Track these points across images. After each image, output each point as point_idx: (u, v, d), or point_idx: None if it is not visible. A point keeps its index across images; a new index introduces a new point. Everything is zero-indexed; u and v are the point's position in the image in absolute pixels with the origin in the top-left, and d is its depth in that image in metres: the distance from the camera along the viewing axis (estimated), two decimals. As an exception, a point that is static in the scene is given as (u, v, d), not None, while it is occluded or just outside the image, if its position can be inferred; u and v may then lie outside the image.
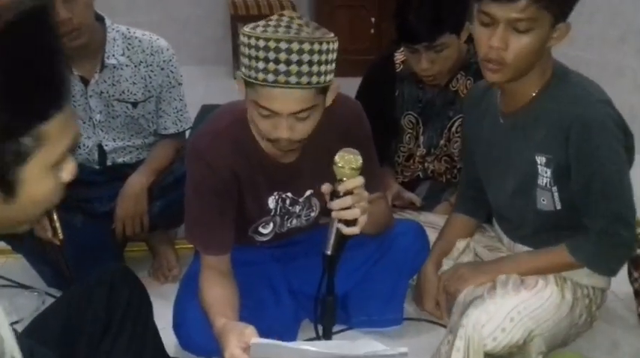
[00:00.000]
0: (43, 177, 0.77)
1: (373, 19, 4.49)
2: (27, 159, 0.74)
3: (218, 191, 1.49)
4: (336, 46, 1.32)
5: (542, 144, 1.51)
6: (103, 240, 2.03)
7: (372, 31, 4.51)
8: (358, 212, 1.29)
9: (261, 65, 1.26)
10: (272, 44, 1.25)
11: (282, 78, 1.26)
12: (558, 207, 1.54)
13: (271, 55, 1.25)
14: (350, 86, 1.95)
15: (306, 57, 1.26)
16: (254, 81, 1.28)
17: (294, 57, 1.25)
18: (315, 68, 1.27)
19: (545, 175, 1.52)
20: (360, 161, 1.29)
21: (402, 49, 2.15)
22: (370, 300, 1.73)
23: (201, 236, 1.54)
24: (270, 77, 1.26)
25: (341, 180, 1.29)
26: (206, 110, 3.55)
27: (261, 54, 1.25)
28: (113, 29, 1.99)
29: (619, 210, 1.49)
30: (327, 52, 1.29)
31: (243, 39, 1.29)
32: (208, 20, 4.82)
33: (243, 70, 1.31)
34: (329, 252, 1.33)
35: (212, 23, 4.82)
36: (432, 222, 2.00)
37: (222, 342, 1.28)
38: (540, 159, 1.52)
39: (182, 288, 1.65)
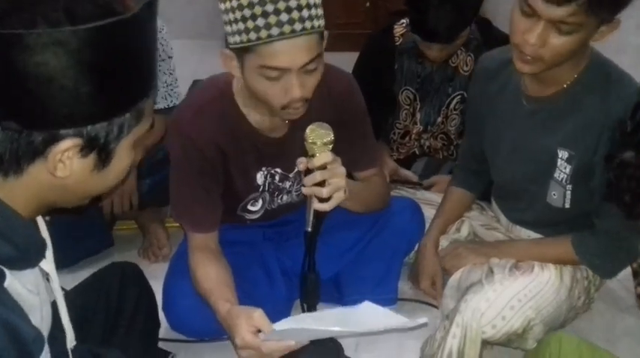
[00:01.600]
0: (127, 152, 0.87)
1: (369, -8, 4.39)
2: (127, 133, 0.84)
3: (202, 167, 1.44)
4: None
5: (568, 138, 1.43)
6: (90, 218, 1.99)
7: (367, 4, 4.42)
8: (329, 190, 1.27)
9: (260, 22, 1.19)
10: None
11: (287, 28, 1.20)
12: (567, 206, 1.48)
13: (269, 8, 1.18)
14: (345, 61, 1.88)
15: (303, 0, 1.20)
16: (256, 42, 1.21)
17: (292, 2, 1.19)
18: (313, 11, 1.22)
19: (564, 171, 1.45)
20: (332, 136, 1.26)
21: (401, 21, 2.09)
22: (364, 280, 1.70)
23: (186, 213, 1.50)
24: (275, 30, 1.20)
25: (313, 156, 1.27)
26: (198, 84, 3.49)
27: (258, 9, 1.19)
28: None
29: None
30: None
31: (230, 4, 1.21)
32: (200, -7, 4.71)
33: (236, 38, 1.23)
34: (309, 229, 1.32)
35: (204, -4, 4.71)
36: (429, 199, 1.97)
37: (231, 328, 1.25)
38: (562, 154, 1.45)
39: (171, 268, 1.61)
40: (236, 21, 1.22)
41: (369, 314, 1.21)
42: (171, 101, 2.08)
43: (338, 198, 1.29)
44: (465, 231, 1.82)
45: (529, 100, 1.50)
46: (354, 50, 2.26)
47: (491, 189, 1.81)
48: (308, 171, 1.28)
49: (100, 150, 0.82)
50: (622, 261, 1.54)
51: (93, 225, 2.04)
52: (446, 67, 2.06)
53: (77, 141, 0.79)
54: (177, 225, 2.08)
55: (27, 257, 0.85)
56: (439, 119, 2.14)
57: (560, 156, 1.46)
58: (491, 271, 1.52)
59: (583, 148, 1.41)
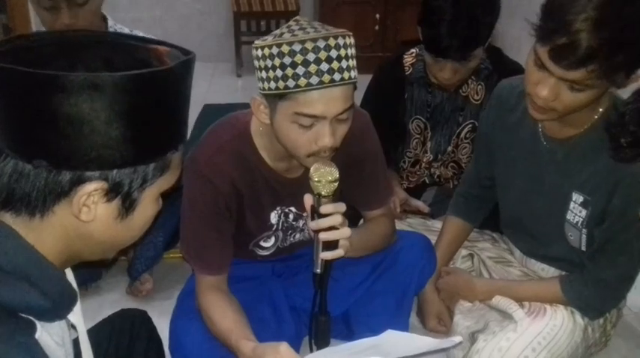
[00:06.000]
0: (151, 203, 0.88)
1: (378, 16, 4.42)
2: (150, 183, 0.85)
3: (218, 208, 1.42)
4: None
5: (585, 184, 1.40)
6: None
7: (377, 27, 4.44)
8: (344, 232, 1.27)
9: (300, 70, 1.19)
10: (309, 45, 1.19)
11: (326, 77, 1.20)
12: (583, 248, 1.46)
13: (310, 57, 1.19)
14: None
15: (342, 51, 1.21)
16: (293, 90, 1.21)
17: (334, 53, 1.20)
18: (350, 62, 1.23)
19: (578, 214, 1.43)
20: (337, 173, 1.25)
21: (411, 51, 2.07)
22: (374, 317, 1.65)
23: (198, 255, 1.47)
24: (314, 79, 1.20)
25: (319, 194, 1.25)
26: (208, 110, 3.50)
27: (299, 58, 1.19)
28: (115, 29, 1.96)
29: (630, 269, 1.44)
30: (352, 45, 1.25)
31: (268, 51, 1.21)
32: (210, 16, 4.75)
33: (271, 84, 1.23)
34: (318, 270, 1.30)
35: (214, 19, 4.75)
36: (439, 229, 1.94)
37: None
38: (577, 197, 1.42)
39: (179, 307, 1.57)
40: (273, 67, 1.21)
41: (399, 341, 1.20)
42: None
43: (344, 245, 1.30)
44: (466, 264, 1.82)
45: (547, 138, 1.47)
46: (363, 73, 2.24)
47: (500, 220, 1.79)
48: (314, 214, 1.27)
49: (124, 197, 0.84)
50: (606, 308, 1.52)
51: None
52: (456, 96, 2.04)
53: (102, 184, 0.80)
54: (175, 256, 2.09)
55: (59, 309, 0.85)
56: (449, 148, 2.12)
57: (574, 199, 1.43)
58: (503, 313, 1.49)
59: (599, 195, 1.38)
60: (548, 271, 1.64)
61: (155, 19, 4.57)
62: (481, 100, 2.03)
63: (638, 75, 1.23)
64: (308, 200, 1.28)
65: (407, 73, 2.07)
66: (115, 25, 1.97)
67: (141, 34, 1.94)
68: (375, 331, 1.63)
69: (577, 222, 1.44)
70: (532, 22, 1.22)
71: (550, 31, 1.17)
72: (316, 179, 1.25)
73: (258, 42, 1.25)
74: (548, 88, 1.23)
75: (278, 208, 1.52)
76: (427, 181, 2.23)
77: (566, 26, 1.14)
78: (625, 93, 1.43)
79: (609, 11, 1.12)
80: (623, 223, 1.36)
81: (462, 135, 2.08)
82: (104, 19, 1.96)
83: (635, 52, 1.16)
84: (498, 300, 1.55)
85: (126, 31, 1.98)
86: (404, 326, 1.70)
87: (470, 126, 2.06)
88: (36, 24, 4.01)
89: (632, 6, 1.13)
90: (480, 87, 2.01)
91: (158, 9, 4.68)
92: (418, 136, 2.13)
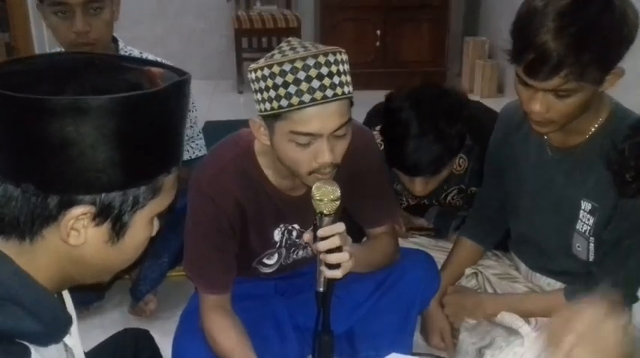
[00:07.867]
0: (144, 226, 0.86)
1: (379, 32, 4.45)
2: (142, 206, 0.83)
3: (221, 227, 1.43)
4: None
5: (592, 190, 1.43)
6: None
7: (378, 43, 4.47)
8: (344, 256, 1.28)
9: (292, 89, 1.20)
10: (299, 64, 1.20)
11: (318, 94, 1.21)
12: (591, 258, 1.47)
13: (301, 75, 1.20)
14: (354, 98, 1.85)
15: (334, 68, 1.23)
16: (287, 109, 1.22)
17: (324, 69, 1.21)
18: (343, 78, 1.24)
19: (587, 223, 1.45)
20: (338, 192, 1.26)
21: (379, 127, 1.77)
22: (378, 335, 1.65)
23: (201, 273, 1.47)
24: (306, 97, 1.21)
25: (321, 213, 1.26)
26: (210, 127, 3.51)
27: (290, 77, 1.20)
28: (126, 52, 1.96)
29: (635, 272, 1.44)
30: (344, 61, 1.26)
31: (261, 73, 1.23)
32: (212, 34, 4.78)
33: (266, 105, 1.24)
34: (321, 289, 1.30)
35: (216, 37, 4.78)
36: (445, 247, 1.94)
37: None
38: (585, 205, 1.45)
39: (181, 326, 1.56)
40: (267, 89, 1.22)
41: None
42: (194, 153, 2.09)
43: (346, 266, 1.30)
44: (471, 282, 1.81)
45: (553, 150, 1.50)
46: (364, 89, 2.25)
47: (505, 237, 1.78)
48: (315, 230, 1.28)
49: (114, 221, 0.82)
50: None
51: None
52: None
53: (90, 208, 0.79)
54: (179, 274, 2.07)
55: (53, 334, 0.83)
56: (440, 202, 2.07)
57: (582, 207, 1.45)
58: (509, 329, 1.48)
59: (605, 200, 1.40)
60: (554, 286, 1.64)
61: (157, 37, 4.60)
62: (464, 169, 1.92)
63: (617, 71, 1.28)
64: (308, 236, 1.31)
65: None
66: (125, 47, 1.98)
67: (151, 56, 1.95)
68: (379, 349, 1.65)
69: (585, 230, 1.45)
70: (505, 50, 1.30)
71: (519, 52, 1.26)
72: (318, 197, 1.25)
73: (252, 65, 1.27)
74: (538, 103, 1.29)
75: (281, 225, 1.52)
76: (427, 203, 2.20)
77: (532, 42, 1.23)
78: (625, 99, 1.46)
79: (566, 18, 1.20)
80: (629, 225, 1.38)
81: (449, 198, 2.03)
82: (115, 40, 1.96)
83: (599, 49, 1.22)
84: (504, 316, 1.55)
85: (136, 52, 1.99)
86: (408, 345, 1.69)
87: (455, 190, 2.00)
88: (38, 42, 4.03)
89: (586, 9, 1.21)
90: (462, 160, 1.91)
91: (159, 27, 4.72)
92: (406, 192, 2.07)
